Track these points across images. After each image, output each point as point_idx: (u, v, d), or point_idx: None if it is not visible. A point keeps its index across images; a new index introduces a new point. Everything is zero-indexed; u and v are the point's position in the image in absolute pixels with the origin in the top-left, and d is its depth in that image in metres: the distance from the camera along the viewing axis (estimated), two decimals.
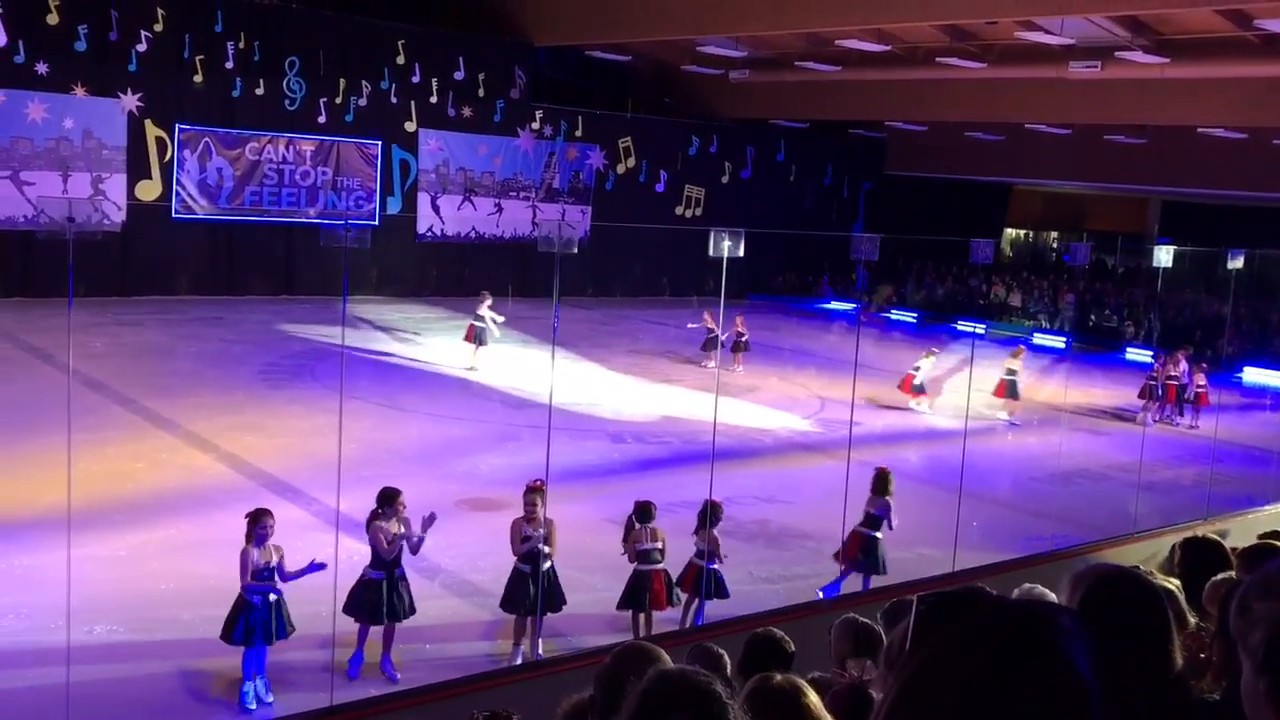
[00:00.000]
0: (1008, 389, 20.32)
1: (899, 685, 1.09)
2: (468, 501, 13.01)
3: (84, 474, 12.78)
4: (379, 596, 8.69)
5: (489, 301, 21.25)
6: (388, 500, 8.87)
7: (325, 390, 17.61)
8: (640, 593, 9.43)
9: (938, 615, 1.13)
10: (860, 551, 10.75)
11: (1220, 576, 4.27)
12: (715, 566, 9.79)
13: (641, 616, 9.50)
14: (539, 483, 9.28)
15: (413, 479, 13.66)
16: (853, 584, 10.78)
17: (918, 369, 20.29)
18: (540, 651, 9.05)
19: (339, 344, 20.75)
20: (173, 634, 9.15)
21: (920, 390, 20.25)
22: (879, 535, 10.83)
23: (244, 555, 8.24)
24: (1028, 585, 5.14)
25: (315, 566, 8.33)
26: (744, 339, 23.23)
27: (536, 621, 9.10)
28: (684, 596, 9.80)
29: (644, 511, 9.56)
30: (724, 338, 21.52)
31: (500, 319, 21.32)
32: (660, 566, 9.54)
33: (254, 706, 8.12)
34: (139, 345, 21.33)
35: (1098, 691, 1.07)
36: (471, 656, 9.14)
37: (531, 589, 9.00)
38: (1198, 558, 4.73)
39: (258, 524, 8.29)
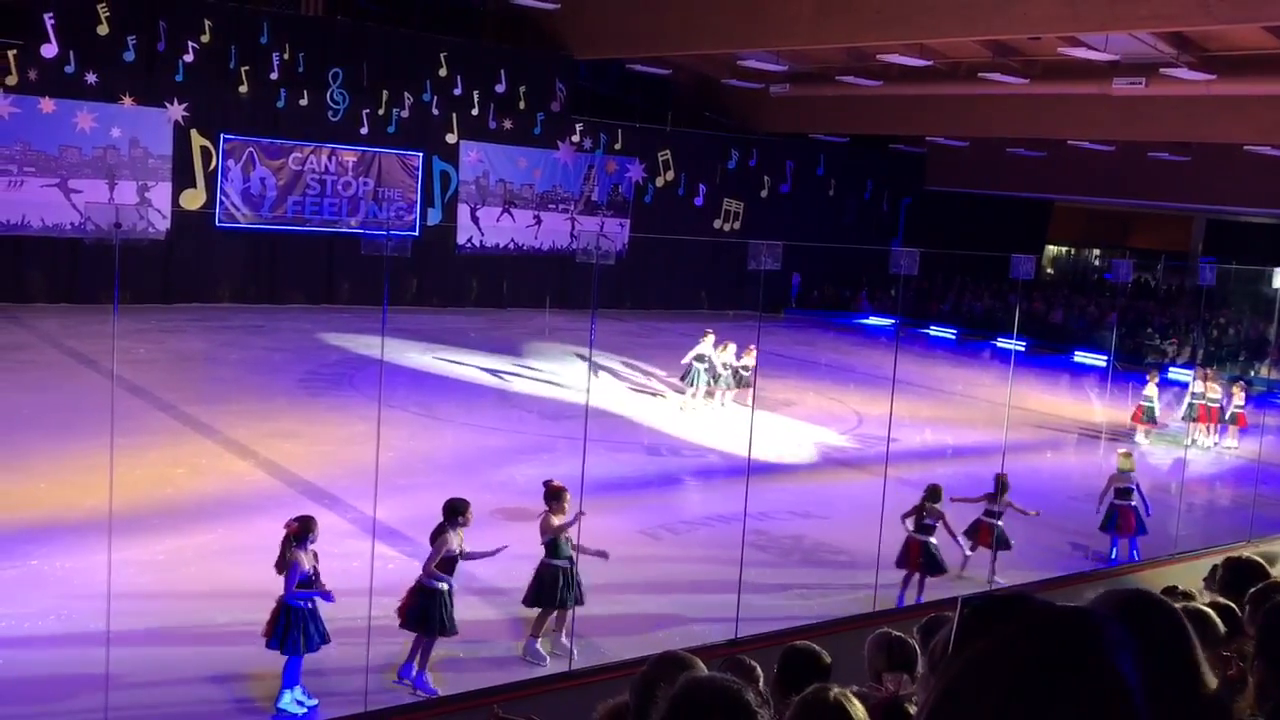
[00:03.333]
0: (1145, 414, 20.15)
1: (942, 685, 1.08)
2: (503, 511, 13.02)
3: (124, 479, 12.91)
4: (438, 608, 8.64)
5: (711, 339, 19.55)
6: (458, 511, 8.88)
7: (363, 399, 17.74)
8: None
9: (983, 618, 1.12)
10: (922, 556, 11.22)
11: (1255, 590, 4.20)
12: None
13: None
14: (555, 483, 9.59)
15: (449, 488, 13.67)
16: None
17: (1149, 399, 20.06)
18: (571, 645, 9.25)
19: (378, 353, 20.90)
20: (208, 638, 9.22)
21: (1151, 419, 20.09)
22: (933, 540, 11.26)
23: (293, 562, 8.18)
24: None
25: (326, 596, 8.28)
26: (742, 370, 19.84)
27: (564, 615, 9.36)
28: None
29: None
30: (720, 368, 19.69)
31: (730, 361, 19.51)
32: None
33: (302, 711, 8.13)
34: (181, 352, 21.58)
35: (1144, 703, 1.06)
36: (506, 659, 9.14)
37: (562, 583, 9.23)
38: (1239, 578, 4.67)
39: (309, 531, 8.29)
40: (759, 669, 4.55)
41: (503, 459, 15.43)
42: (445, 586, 8.69)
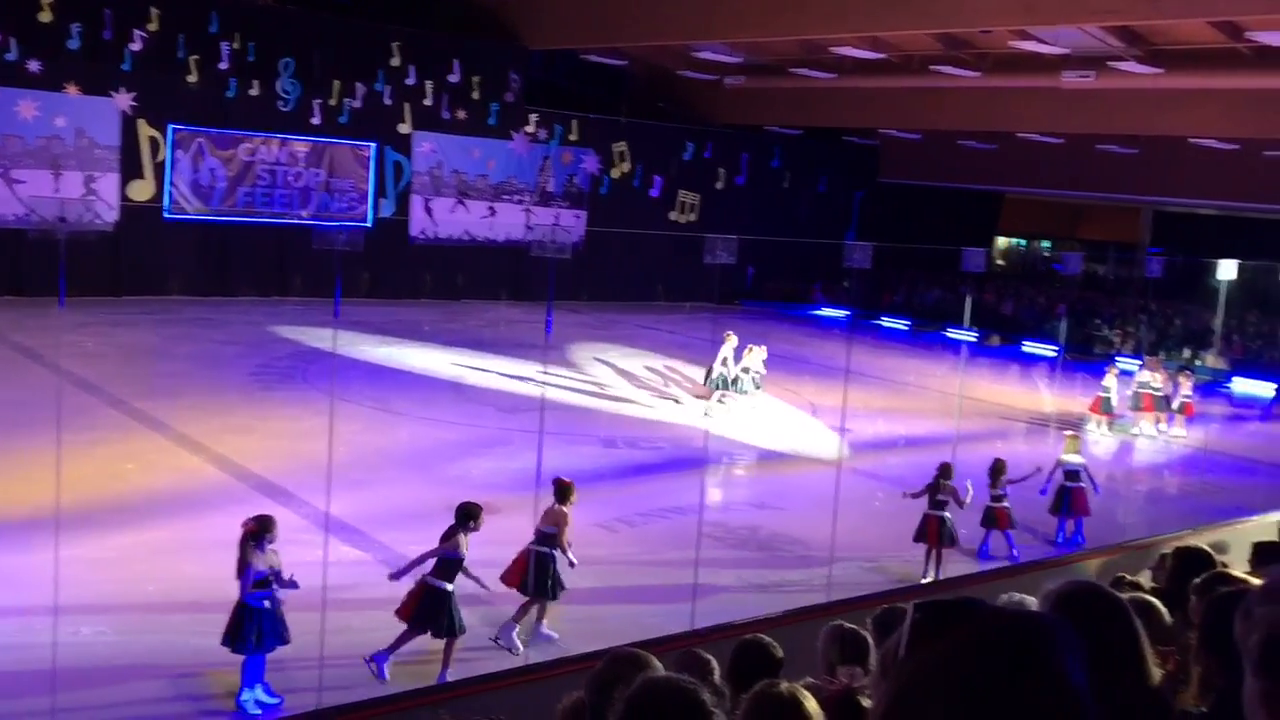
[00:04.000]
0: (1103, 405, 20.33)
1: (893, 691, 1.09)
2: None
3: (74, 474, 12.74)
4: (446, 609, 8.70)
5: (734, 343, 19.10)
6: (470, 516, 8.92)
7: (316, 393, 17.60)
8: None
9: (935, 622, 1.13)
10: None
11: (1204, 582, 4.27)
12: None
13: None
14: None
15: (404, 483, 13.69)
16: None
17: (1108, 390, 20.21)
18: (550, 631, 9.58)
19: (331, 347, 20.74)
20: (161, 636, 9.12)
21: (1108, 410, 20.22)
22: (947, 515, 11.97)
23: (248, 562, 8.13)
24: (1013, 595, 5.15)
25: (292, 584, 8.28)
26: (753, 374, 19.36)
27: (545, 606, 9.62)
28: None
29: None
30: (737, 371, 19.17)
31: (749, 367, 19.03)
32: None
33: (258, 712, 8.08)
34: (130, 346, 21.29)
35: (1092, 706, 1.07)
36: (464, 661, 9.12)
37: (553, 572, 9.54)
38: (1187, 567, 4.74)
39: (267, 531, 8.24)
40: (714, 661, 4.58)
41: (458, 453, 15.37)
42: (450, 588, 8.74)
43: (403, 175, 30.05)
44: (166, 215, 26.72)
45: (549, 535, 9.62)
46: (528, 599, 9.58)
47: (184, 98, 26.53)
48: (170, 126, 26.44)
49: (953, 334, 30.90)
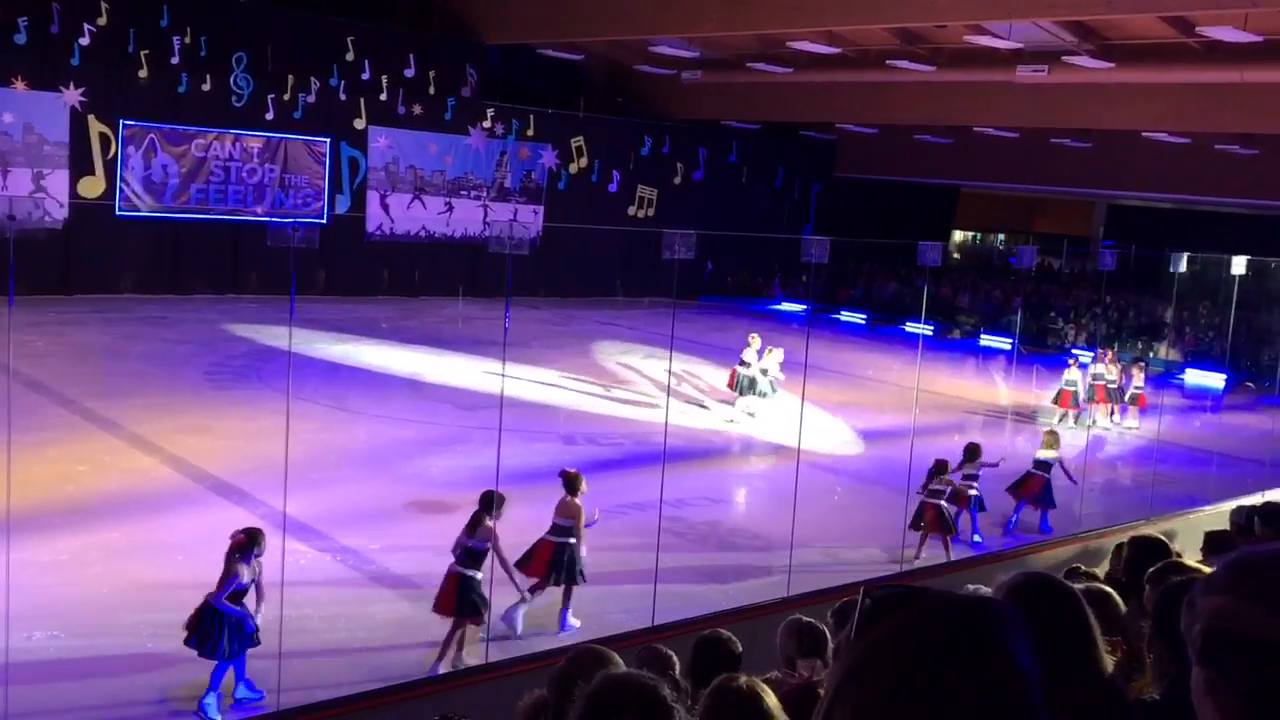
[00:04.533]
0: (1072, 398, 20.43)
1: (840, 674, 1.10)
2: (418, 504, 12.92)
3: (24, 476, 12.54)
4: (478, 593, 9.05)
5: (757, 344, 18.87)
6: (496, 504, 9.16)
7: (272, 392, 17.43)
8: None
9: (884, 606, 1.13)
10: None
11: (1157, 571, 4.32)
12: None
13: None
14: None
15: (362, 481, 13.59)
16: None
17: (1073, 383, 20.24)
18: (574, 621, 9.88)
19: (286, 345, 20.55)
20: (115, 640, 9.00)
21: (1076, 403, 20.29)
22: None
23: (234, 574, 8.07)
24: (972, 586, 5.18)
25: (247, 622, 8.16)
26: (770, 377, 19.00)
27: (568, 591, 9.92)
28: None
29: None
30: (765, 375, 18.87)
31: (767, 369, 18.76)
32: None
33: (217, 718, 7.99)
34: (81, 345, 20.99)
35: (1038, 685, 1.08)
36: (422, 660, 9.07)
37: (567, 559, 9.84)
38: (1141, 557, 4.78)
39: (255, 544, 8.18)
40: (675, 657, 4.58)
41: (416, 451, 15.28)
42: (480, 575, 9.07)
43: (359, 171, 29.82)
44: (118, 213, 26.35)
45: (565, 527, 9.92)
46: (537, 582, 9.81)
47: (135, 93, 26.17)
48: (121, 122, 26.07)
49: (910, 328, 31.12)
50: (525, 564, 9.80)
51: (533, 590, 9.78)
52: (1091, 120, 28.32)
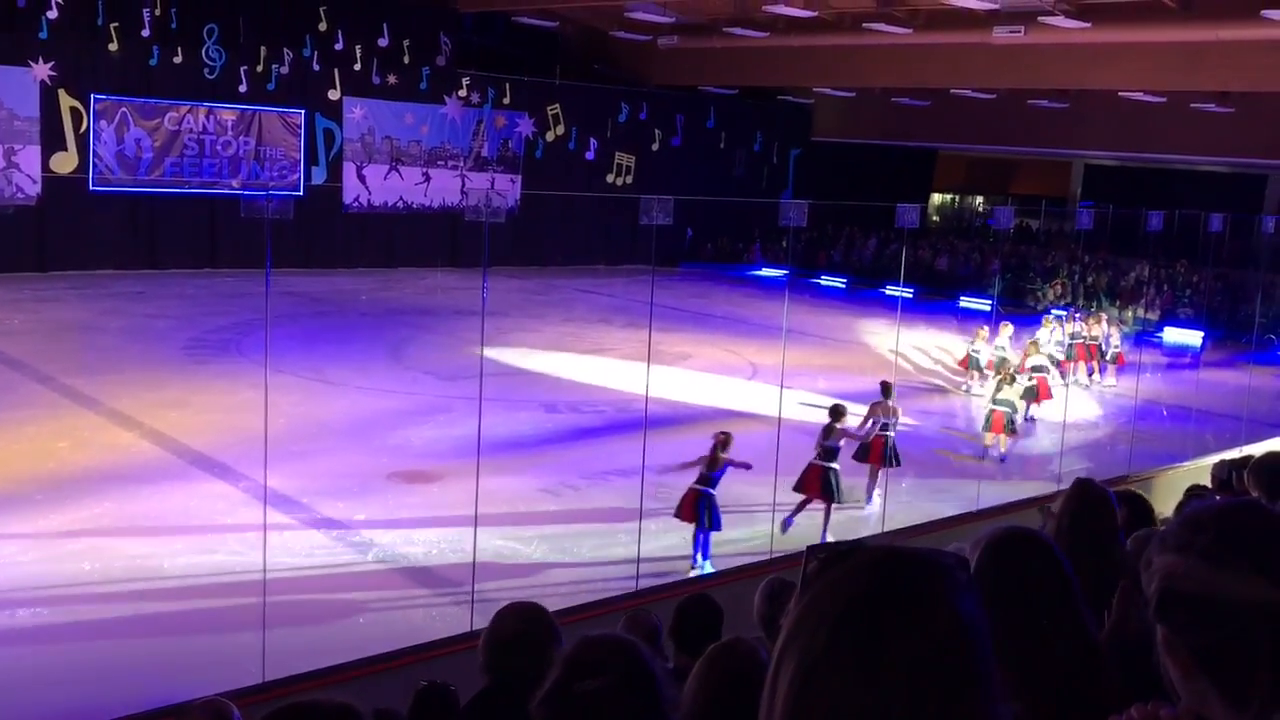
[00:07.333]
0: (971, 362, 20.20)
1: (788, 625, 1.11)
2: (401, 474, 12.92)
3: (3, 453, 12.51)
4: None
5: (1010, 332, 18.44)
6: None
7: (251, 365, 17.36)
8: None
9: (827, 564, 1.14)
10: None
11: (1138, 533, 4.36)
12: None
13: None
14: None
15: (344, 453, 13.58)
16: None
17: (978, 351, 19.96)
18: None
19: (264, 317, 20.45)
20: (98, 615, 8.99)
21: (976, 367, 19.96)
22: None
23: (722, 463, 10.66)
24: (957, 545, 5.21)
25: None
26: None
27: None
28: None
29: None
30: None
31: (1002, 346, 18.15)
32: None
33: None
34: (58, 322, 20.84)
35: (985, 640, 1.09)
36: (409, 629, 9.09)
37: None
38: (1130, 513, 4.82)
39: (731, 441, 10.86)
40: (659, 621, 4.60)
41: (398, 422, 15.25)
42: (837, 466, 11.41)
43: (334, 142, 29.60)
44: (91, 188, 26.11)
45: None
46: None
47: (106, 67, 25.88)
48: (92, 96, 25.78)
49: (890, 290, 31.14)
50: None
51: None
52: (1068, 80, 28.29)
